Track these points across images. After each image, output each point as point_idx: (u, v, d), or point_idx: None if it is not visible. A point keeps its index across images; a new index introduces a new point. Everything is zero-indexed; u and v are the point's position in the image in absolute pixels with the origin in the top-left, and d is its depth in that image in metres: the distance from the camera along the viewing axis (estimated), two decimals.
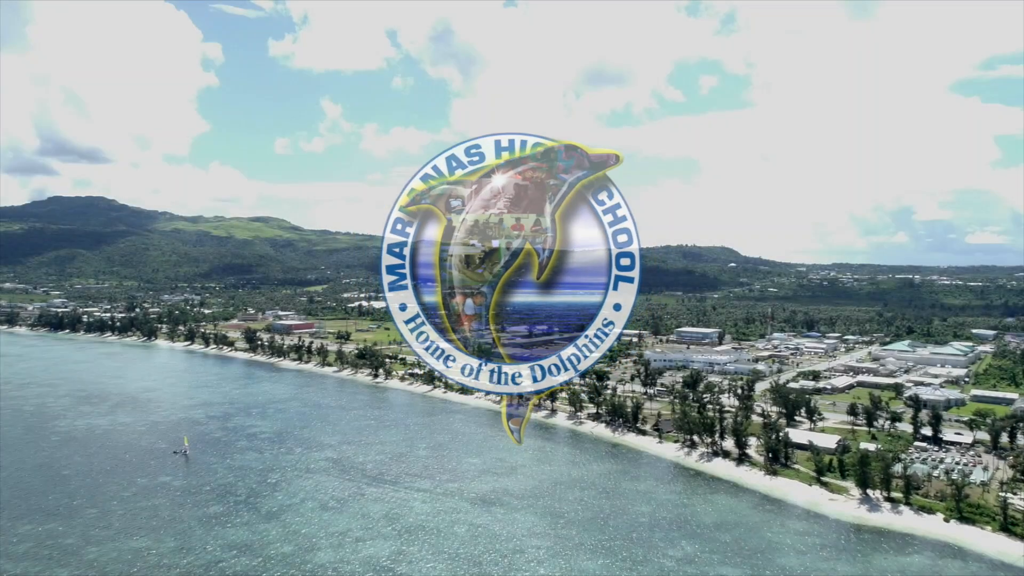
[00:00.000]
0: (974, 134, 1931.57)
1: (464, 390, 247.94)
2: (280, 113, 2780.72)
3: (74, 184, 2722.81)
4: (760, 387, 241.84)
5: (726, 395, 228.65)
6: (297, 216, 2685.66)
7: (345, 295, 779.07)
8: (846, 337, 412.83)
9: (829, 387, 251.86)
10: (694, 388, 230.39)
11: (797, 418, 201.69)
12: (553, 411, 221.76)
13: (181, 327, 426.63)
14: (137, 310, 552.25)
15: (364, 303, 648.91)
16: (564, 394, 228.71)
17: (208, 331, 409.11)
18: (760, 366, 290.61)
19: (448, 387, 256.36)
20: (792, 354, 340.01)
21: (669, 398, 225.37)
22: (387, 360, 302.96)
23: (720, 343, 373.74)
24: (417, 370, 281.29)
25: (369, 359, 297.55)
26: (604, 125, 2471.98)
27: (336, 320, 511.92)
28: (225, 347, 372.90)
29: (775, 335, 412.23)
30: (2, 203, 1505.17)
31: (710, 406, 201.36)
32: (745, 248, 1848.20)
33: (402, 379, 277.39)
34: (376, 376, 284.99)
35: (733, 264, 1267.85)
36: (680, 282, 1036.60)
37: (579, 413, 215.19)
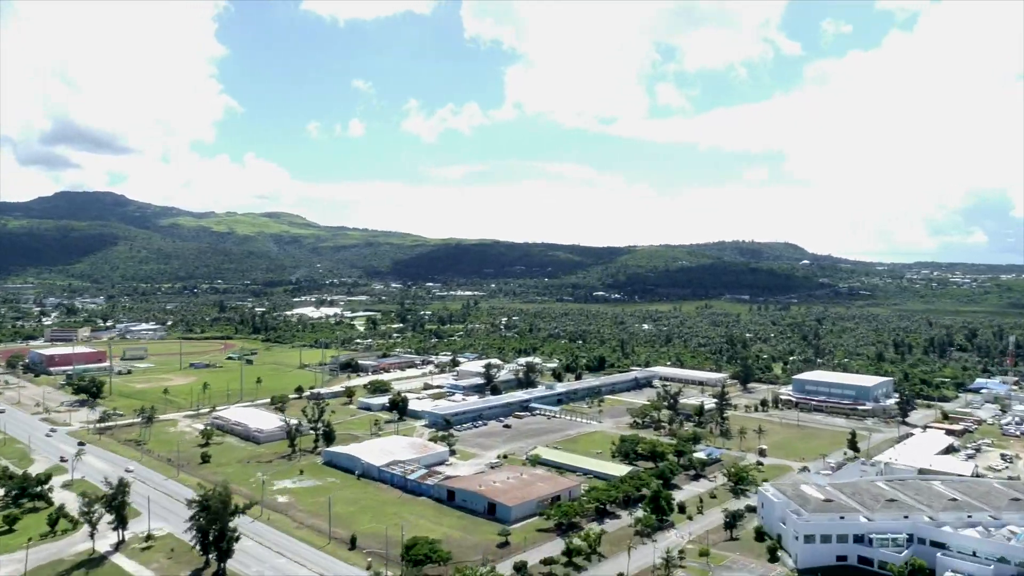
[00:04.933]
0: None
1: None
2: (307, 86, 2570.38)
3: (110, 179, 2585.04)
4: None
5: None
6: (330, 215, 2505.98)
7: (295, 300, 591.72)
8: None
9: None
10: None
11: None
12: None
13: None
14: None
15: (300, 310, 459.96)
16: None
17: None
18: None
19: None
20: None
21: None
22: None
23: (899, 408, 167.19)
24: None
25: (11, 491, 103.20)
26: (694, 108, 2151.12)
27: (204, 340, 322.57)
28: None
29: (990, 386, 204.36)
30: (15, 197, 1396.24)
31: None
32: (811, 245, 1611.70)
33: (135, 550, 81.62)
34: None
35: (806, 261, 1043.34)
36: (743, 283, 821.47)
37: None
